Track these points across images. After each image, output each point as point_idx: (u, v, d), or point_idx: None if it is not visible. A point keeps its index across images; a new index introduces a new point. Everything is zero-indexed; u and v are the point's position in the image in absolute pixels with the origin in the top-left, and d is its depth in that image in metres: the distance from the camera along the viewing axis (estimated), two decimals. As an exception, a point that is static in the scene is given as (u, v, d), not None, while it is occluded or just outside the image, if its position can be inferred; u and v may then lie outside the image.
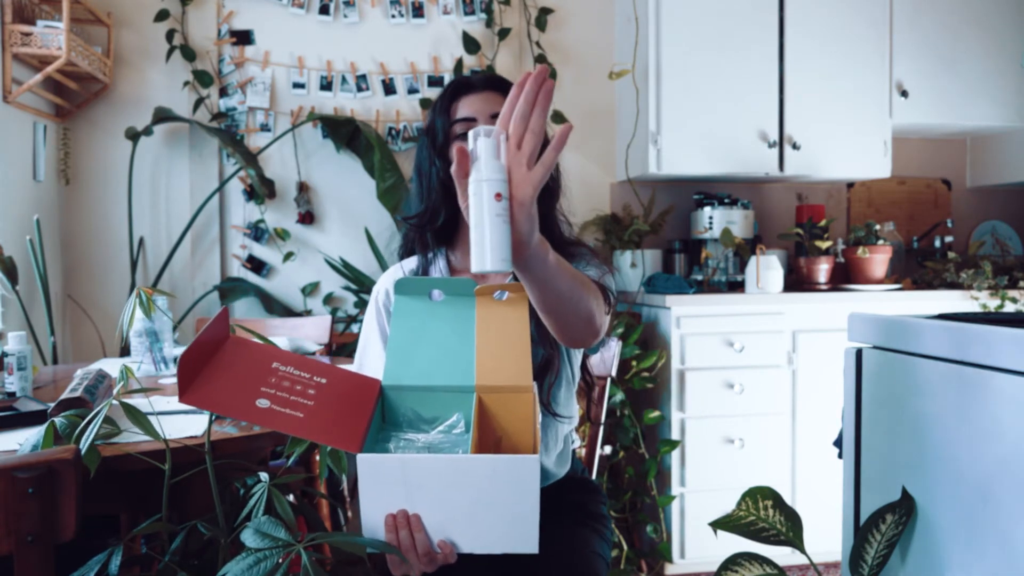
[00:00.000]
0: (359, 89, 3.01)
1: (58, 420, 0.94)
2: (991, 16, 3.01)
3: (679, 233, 3.15)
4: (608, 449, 2.66)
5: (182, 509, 1.09)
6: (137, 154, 2.82)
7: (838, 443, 1.25)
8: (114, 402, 0.93)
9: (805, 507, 2.59)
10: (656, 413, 2.63)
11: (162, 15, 2.84)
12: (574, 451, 1.42)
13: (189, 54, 2.87)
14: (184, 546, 0.92)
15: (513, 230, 0.78)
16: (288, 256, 2.97)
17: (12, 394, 1.52)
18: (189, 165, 2.93)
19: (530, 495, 0.80)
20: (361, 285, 2.89)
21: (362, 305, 2.94)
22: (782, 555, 2.06)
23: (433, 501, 0.81)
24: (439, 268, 1.31)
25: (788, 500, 2.62)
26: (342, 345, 2.80)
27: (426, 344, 0.94)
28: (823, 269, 2.91)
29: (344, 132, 2.91)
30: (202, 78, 2.88)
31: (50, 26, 2.43)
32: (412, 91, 3.04)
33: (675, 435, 2.62)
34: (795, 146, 2.89)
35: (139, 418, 0.90)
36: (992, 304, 2.77)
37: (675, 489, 2.63)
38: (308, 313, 2.98)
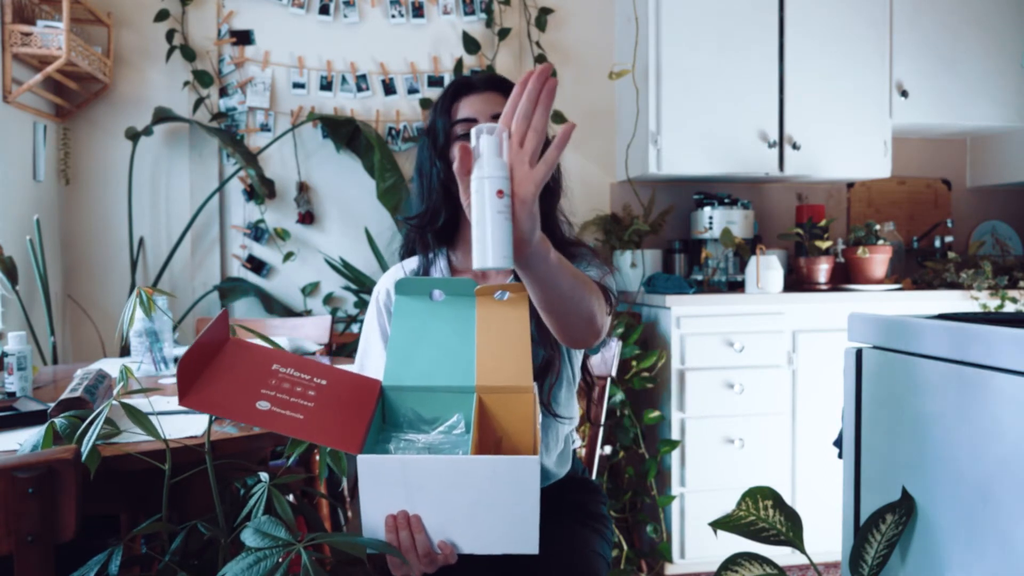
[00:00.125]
0: (359, 89, 3.01)
1: (58, 420, 0.94)
2: (991, 16, 3.01)
3: (679, 233, 3.15)
4: (608, 449, 2.66)
5: (182, 509, 1.09)
6: (137, 154, 2.82)
7: (838, 443, 1.25)
8: (114, 402, 0.93)
9: (805, 507, 2.59)
10: (656, 413, 2.63)
11: (162, 15, 2.84)
12: (574, 451, 1.42)
13: (189, 54, 2.87)
14: (184, 546, 0.92)
15: (515, 228, 0.78)
16: (288, 256, 2.97)
17: (12, 394, 1.52)
18: (189, 165, 2.93)
19: (530, 496, 0.80)
20: (361, 285, 2.89)
21: (362, 305, 2.94)
22: (782, 555, 2.06)
23: (433, 502, 0.81)
24: (440, 268, 1.31)
25: (788, 500, 2.62)
26: (342, 345, 2.80)
27: (426, 344, 0.94)
28: (823, 269, 2.91)
29: (344, 132, 2.91)
30: (202, 78, 2.88)
31: (50, 26, 2.43)
32: (412, 91, 3.04)
33: (675, 435, 2.62)
34: (795, 146, 2.89)
35: (139, 418, 0.89)
36: (992, 304, 2.77)
37: (675, 489, 2.63)
38: (308, 313, 2.98)
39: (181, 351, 1.83)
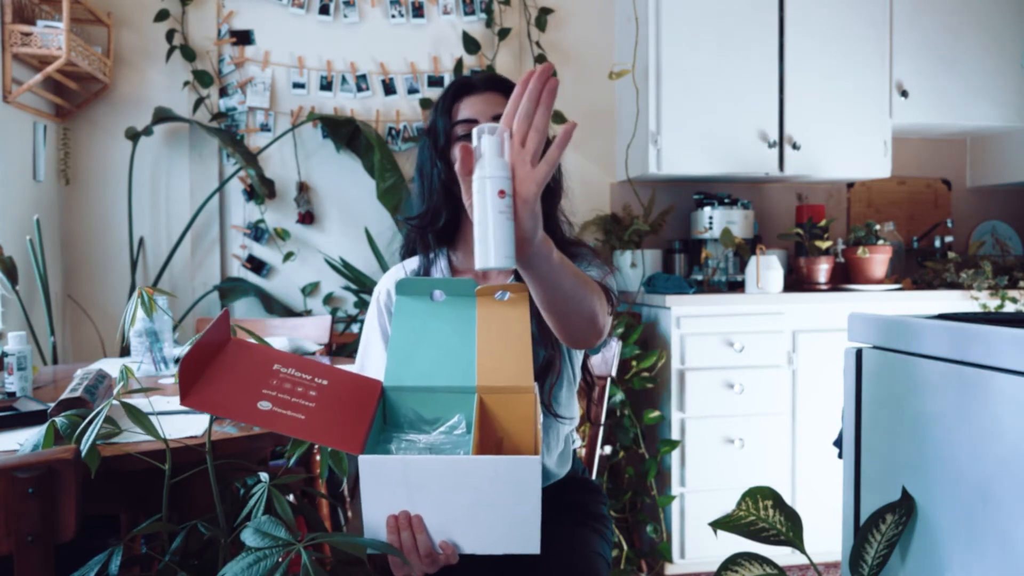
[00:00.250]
0: (359, 89, 3.01)
1: (58, 420, 0.94)
2: (991, 16, 3.02)
3: (679, 233, 3.15)
4: (608, 449, 2.66)
5: (182, 509, 1.09)
6: (137, 154, 2.82)
7: (838, 443, 1.25)
8: (114, 402, 0.93)
9: (805, 507, 2.59)
10: (656, 413, 2.63)
11: (162, 15, 2.84)
12: (575, 451, 1.42)
13: (189, 54, 2.87)
14: (184, 546, 0.92)
15: (517, 227, 0.78)
16: (288, 256, 2.97)
17: (12, 394, 1.52)
18: (189, 165, 2.92)
19: (531, 496, 0.80)
20: (361, 285, 2.89)
21: (362, 305, 2.94)
22: (782, 555, 2.06)
23: (435, 502, 0.81)
24: (441, 268, 1.31)
25: (788, 500, 2.62)
26: (342, 345, 2.80)
27: (427, 345, 0.94)
28: (823, 269, 2.91)
29: (344, 132, 2.91)
30: (202, 78, 2.88)
31: (50, 26, 2.43)
32: (412, 91, 3.04)
33: (675, 435, 2.62)
34: (795, 146, 2.89)
35: (140, 418, 0.89)
36: (992, 304, 2.77)
37: (675, 489, 2.63)
38: (308, 313, 2.98)
39: (181, 351, 1.83)
